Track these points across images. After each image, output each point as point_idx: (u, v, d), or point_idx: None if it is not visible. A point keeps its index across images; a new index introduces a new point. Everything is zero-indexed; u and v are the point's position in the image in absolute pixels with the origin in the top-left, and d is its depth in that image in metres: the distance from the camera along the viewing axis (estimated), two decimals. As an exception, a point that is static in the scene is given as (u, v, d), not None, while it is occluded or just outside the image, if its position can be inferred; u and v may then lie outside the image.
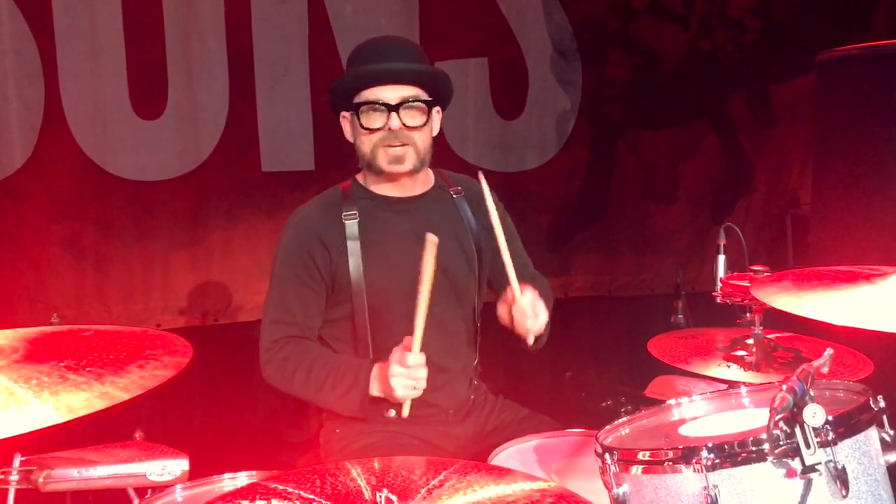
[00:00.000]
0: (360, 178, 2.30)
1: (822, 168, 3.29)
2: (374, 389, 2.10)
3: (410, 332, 2.00)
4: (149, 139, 3.51)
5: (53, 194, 3.40)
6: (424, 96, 2.15)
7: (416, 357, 1.95)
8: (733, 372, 2.15)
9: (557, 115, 4.19)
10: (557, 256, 4.32)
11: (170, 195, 3.57)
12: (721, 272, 2.41)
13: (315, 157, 3.79)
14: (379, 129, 2.12)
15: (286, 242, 2.26)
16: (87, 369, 1.31)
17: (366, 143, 2.15)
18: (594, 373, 3.67)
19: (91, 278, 3.49)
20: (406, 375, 1.96)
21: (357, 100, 2.13)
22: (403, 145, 2.14)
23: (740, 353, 2.22)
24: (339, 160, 3.79)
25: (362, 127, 2.12)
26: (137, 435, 1.93)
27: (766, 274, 2.07)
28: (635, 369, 3.04)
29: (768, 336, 2.27)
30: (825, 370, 1.45)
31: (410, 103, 2.13)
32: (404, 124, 2.12)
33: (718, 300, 2.34)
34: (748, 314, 2.27)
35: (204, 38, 3.55)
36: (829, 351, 1.48)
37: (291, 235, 2.25)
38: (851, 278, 1.74)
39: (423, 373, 1.97)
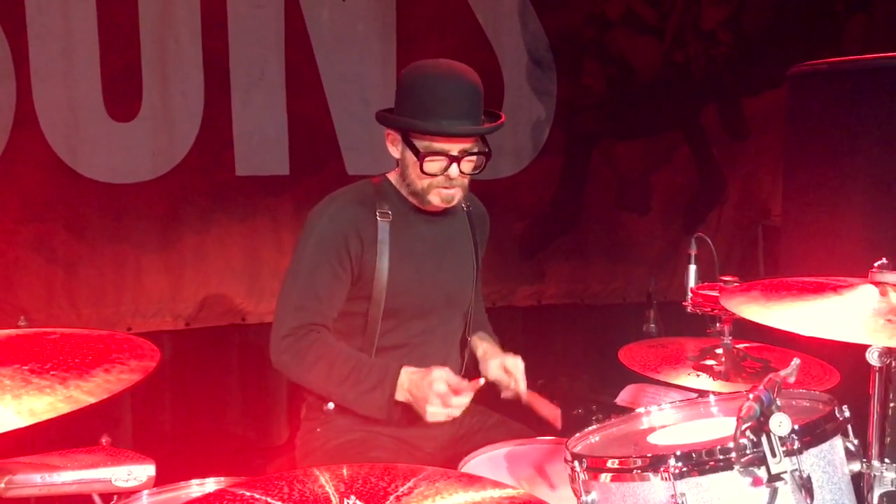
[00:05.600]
0: (392, 178, 2.31)
1: (792, 180, 3.33)
2: (401, 395, 2.12)
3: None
4: (122, 141, 3.47)
5: (24, 195, 3.35)
6: (484, 147, 2.20)
7: (462, 399, 2.06)
8: (702, 381, 2.16)
9: (532, 124, 4.21)
10: (530, 264, 4.34)
11: (143, 198, 3.54)
12: (692, 282, 2.43)
13: (290, 161, 3.77)
14: (437, 175, 2.15)
15: (321, 229, 2.22)
16: (52, 373, 1.29)
17: (420, 182, 2.18)
18: (566, 380, 3.68)
19: (61, 281, 3.44)
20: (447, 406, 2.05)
21: (418, 142, 2.14)
22: (456, 187, 2.20)
23: (710, 362, 2.24)
24: (314, 165, 3.79)
25: (422, 170, 2.14)
26: (104, 440, 1.90)
27: (735, 284, 2.08)
28: (606, 377, 3.05)
29: (737, 346, 2.29)
30: (792, 380, 1.47)
31: (471, 155, 2.17)
32: (462, 172, 2.16)
33: (689, 310, 2.36)
34: (718, 324, 2.29)
35: (179, 41, 3.53)
36: (795, 361, 1.49)
37: (328, 223, 2.22)
38: (819, 289, 1.76)
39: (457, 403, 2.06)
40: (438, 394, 2.03)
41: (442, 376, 2.06)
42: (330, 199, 2.27)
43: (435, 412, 2.05)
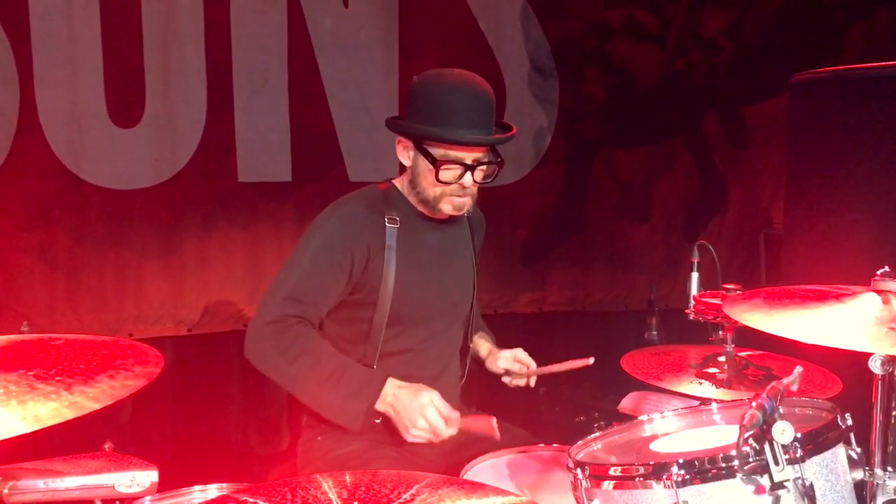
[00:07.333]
0: (398, 184, 2.32)
1: (794, 188, 3.33)
2: (382, 406, 2.11)
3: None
4: (125, 147, 3.48)
5: (27, 201, 3.35)
6: (496, 157, 2.22)
7: (451, 431, 2.08)
8: (705, 389, 2.16)
9: (534, 132, 4.23)
10: (532, 271, 4.34)
11: (145, 204, 3.54)
12: (694, 290, 2.43)
13: (292, 168, 3.78)
14: (451, 183, 2.16)
15: (330, 230, 2.21)
16: (57, 378, 1.29)
17: (433, 190, 2.19)
18: (568, 388, 3.68)
19: (63, 286, 3.45)
20: (434, 430, 2.06)
21: (433, 150, 2.14)
22: (468, 196, 2.21)
23: (712, 370, 2.24)
24: (316, 172, 3.80)
25: (437, 178, 2.15)
26: (107, 446, 1.90)
27: (738, 292, 2.08)
28: (609, 385, 3.05)
29: (740, 354, 2.29)
30: (795, 388, 1.47)
31: (484, 163, 2.18)
32: (475, 180, 2.18)
33: (691, 317, 2.36)
34: (720, 332, 2.29)
35: (182, 47, 3.54)
36: (798, 369, 1.50)
37: (338, 226, 2.22)
38: (821, 297, 1.76)
39: (446, 434, 2.08)
40: (430, 422, 2.04)
41: (433, 401, 2.06)
42: (340, 204, 2.27)
43: (418, 435, 2.06)
